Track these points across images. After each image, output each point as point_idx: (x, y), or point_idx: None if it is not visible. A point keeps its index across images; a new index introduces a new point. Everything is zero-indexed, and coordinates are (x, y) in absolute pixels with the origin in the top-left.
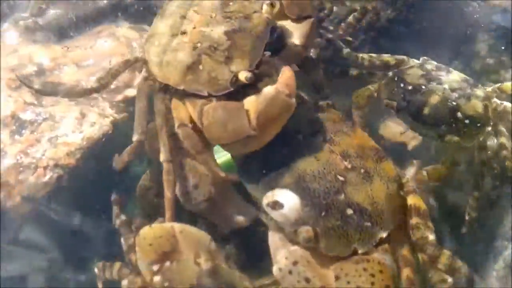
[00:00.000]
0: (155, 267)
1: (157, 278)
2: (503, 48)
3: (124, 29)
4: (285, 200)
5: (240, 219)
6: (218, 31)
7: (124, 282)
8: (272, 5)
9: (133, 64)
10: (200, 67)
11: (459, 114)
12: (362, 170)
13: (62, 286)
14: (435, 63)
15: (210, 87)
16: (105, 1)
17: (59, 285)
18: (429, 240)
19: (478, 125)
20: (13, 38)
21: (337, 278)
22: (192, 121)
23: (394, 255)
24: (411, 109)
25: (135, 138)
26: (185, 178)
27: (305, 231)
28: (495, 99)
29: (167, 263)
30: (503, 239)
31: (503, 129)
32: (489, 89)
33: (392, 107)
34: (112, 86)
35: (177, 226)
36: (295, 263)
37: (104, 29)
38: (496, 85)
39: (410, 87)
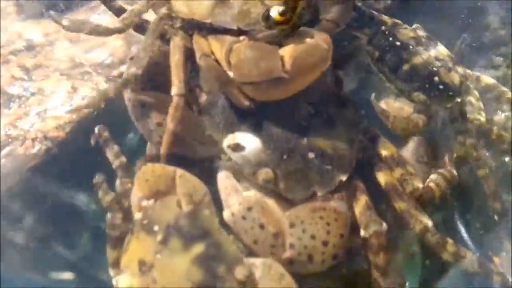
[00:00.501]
0: (144, 203)
1: (138, 215)
2: None
3: (119, 3)
4: (246, 143)
5: (203, 149)
6: None
7: (108, 215)
8: None
9: (155, 2)
10: (231, 0)
11: (436, 79)
12: (325, 116)
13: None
14: (427, 33)
15: (241, 20)
16: None
17: (45, 262)
18: (415, 186)
19: (450, 93)
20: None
21: (292, 225)
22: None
23: (350, 203)
24: (391, 61)
25: (174, 91)
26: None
27: (265, 172)
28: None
29: (151, 201)
30: None
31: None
32: (469, 71)
33: (372, 55)
34: (108, 61)
35: (179, 170)
36: (249, 208)
37: (99, 4)
38: (476, 74)
39: (398, 43)
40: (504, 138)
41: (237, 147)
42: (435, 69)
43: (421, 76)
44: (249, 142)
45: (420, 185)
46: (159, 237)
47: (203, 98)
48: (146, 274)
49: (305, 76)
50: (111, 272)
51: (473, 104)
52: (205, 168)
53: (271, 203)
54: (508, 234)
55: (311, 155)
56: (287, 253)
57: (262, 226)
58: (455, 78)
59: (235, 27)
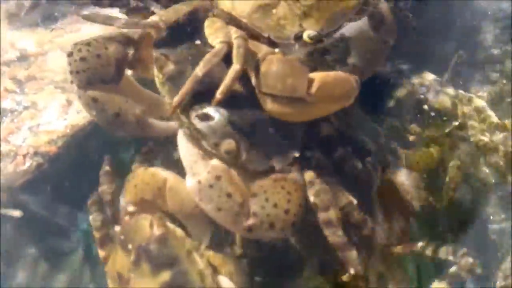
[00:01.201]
0: (130, 208)
1: (117, 228)
2: (509, 38)
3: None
4: (214, 113)
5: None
6: None
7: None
8: None
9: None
10: (274, 10)
11: (425, 106)
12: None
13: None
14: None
15: (274, 31)
16: None
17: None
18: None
19: (445, 118)
20: None
21: (255, 195)
22: None
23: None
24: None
25: (219, 40)
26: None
27: (228, 143)
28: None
29: (127, 218)
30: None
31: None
32: (461, 91)
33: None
34: None
35: (172, 181)
36: (218, 177)
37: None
38: (468, 95)
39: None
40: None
41: (205, 117)
42: (421, 96)
43: (409, 108)
44: (216, 113)
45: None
46: (132, 257)
47: (170, 67)
48: (124, 286)
49: (326, 105)
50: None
51: (475, 126)
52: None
53: (235, 173)
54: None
55: (271, 130)
56: (250, 221)
57: (229, 195)
58: (446, 101)
59: (266, 35)
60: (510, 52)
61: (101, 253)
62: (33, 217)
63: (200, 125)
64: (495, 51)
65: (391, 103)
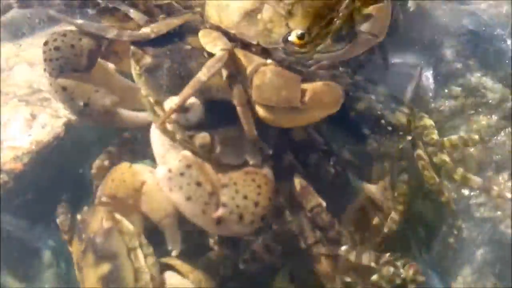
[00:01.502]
0: (103, 198)
1: (78, 217)
2: (470, 52)
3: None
4: (190, 105)
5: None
6: None
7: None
8: None
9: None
10: (259, 16)
11: (382, 121)
12: None
13: None
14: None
15: (262, 37)
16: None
17: None
18: None
19: (400, 133)
20: None
21: (225, 185)
22: None
23: None
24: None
25: (220, 47)
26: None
27: (202, 136)
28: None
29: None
30: (472, 246)
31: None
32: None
33: None
34: None
35: (151, 185)
36: (188, 166)
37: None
38: (420, 114)
39: None
40: (468, 179)
41: (181, 108)
42: (379, 112)
43: (368, 121)
44: (192, 104)
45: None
46: (82, 247)
47: (147, 60)
48: (78, 273)
49: (317, 112)
50: None
51: (433, 144)
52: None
53: (207, 165)
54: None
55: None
56: (219, 212)
57: (199, 184)
58: (401, 117)
59: (255, 42)
60: (471, 67)
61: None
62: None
63: (175, 116)
64: (458, 65)
65: (352, 114)
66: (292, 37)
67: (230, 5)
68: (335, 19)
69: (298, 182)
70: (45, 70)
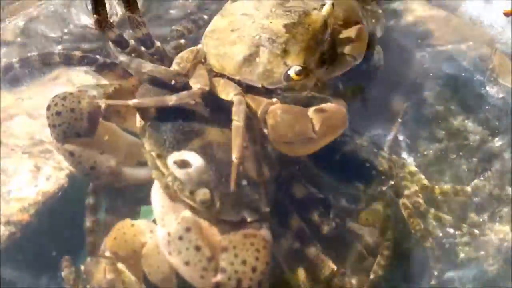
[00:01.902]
0: (107, 253)
1: (82, 268)
2: (450, 95)
3: (76, 75)
4: (192, 161)
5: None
6: (277, 23)
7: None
8: (333, 5)
9: (196, 54)
10: (257, 59)
11: (367, 164)
12: (255, 150)
13: None
14: None
15: (265, 79)
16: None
17: None
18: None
19: (383, 177)
20: None
21: (226, 249)
22: None
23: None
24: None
25: (232, 95)
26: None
27: (203, 193)
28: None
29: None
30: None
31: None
32: (394, 156)
33: None
34: None
35: (151, 247)
36: (188, 229)
37: (60, 75)
38: (402, 160)
39: None
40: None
41: (183, 164)
42: (363, 155)
43: (353, 164)
44: (194, 160)
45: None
46: None
47: (151, 114)
48: None
49: (329, 136)
50: None
51: (410, 188)
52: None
53: (206, 225)
54: None
55: (245, 182)
56: (218, 277)
57: (198, 248)
58: (383, 163)
59: (259, 85)
60: (453, 110)
61: None
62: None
63: (177, 172)
64: (439, 108)
65: (337, 157)
66: (292, 74)
67: (228, 53)
68: (323, 47)
69: (310, 251)
70: (51, 134)
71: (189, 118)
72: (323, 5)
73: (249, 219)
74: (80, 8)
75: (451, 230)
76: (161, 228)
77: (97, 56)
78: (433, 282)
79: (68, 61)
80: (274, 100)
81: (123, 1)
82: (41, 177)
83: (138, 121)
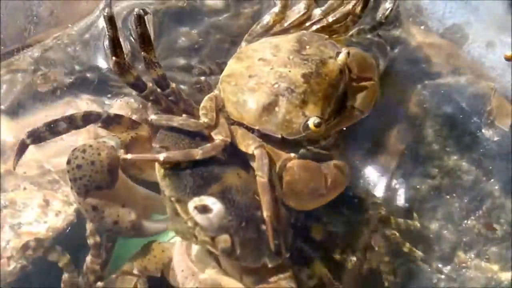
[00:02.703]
0: (135, 271)
1: (100, 284)
2: (447, 134)
3: (84, 102)
4: (212, 206)
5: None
6: (295, 73)
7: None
8: (348, 54)
9: (216, 101)
10: (276, 108)
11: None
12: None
13: None
14: None
15: (284, 130)
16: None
17: None
18: None
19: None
20: None
21: None
22: None
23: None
24: None
25: (252, 148)
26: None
27: (224, 240)
28: None
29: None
30: None
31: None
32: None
33: None
34: None
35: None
36: None
37: (66, 103)
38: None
39: None
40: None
41: (204, 209)
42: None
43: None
44: (214, 206)
45: None
46: None
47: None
48: None
49: (335, 192)
50: None
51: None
52: None
53: (225, 283)
54: None
55: (264, 227)
56: None
57: None
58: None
59: (279, 136)
60: (449, 149)
61: None
62: None
63: (198, 217)
64: (436, 147)
65: None
66: (310, 125)
67: (248, 102)
68: (337, 97)
69: None
70: (71, 188)
71: (207, 162)
72: (339, 52)
73: (270, 265)
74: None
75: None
76: None
77: (100, 111)
78: None
79: (73, 122)
80: (292, 155)
81: (139, 42)
82: (50, 212)
83: (157, 169)
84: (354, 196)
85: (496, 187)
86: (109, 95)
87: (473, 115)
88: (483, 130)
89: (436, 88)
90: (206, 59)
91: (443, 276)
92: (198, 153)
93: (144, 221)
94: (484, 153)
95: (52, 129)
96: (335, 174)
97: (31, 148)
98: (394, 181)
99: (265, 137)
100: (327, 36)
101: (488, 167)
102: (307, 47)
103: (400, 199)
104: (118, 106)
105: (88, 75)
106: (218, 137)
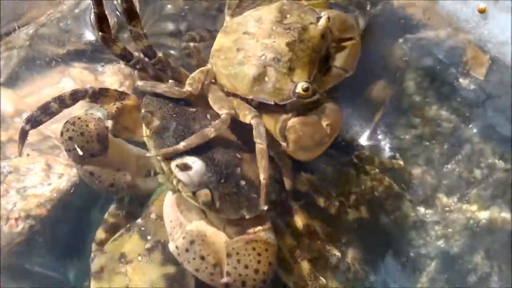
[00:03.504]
0: (153, 215)
1: (139, 221)
2: (428, 85)
3: (78, 70)
4: (193, 164)
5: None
6: (280, 42)
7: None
8: (329, 18)
9: (206, 75)
10: (266, 78)
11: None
12: (252, 153)
13: None
14: None
15: (276, 97)
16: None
17: None
18: None
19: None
20: None
21: (229, 255)
22: None
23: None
24: None
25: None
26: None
27: (204, 194)
28: None
29: (152, 216)
30: (426, 258)
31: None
32: None
33: None
34: None
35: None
36: (192, 242)
37: (60, 72)
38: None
39: None
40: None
41: (185, 167)
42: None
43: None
44: (195, 164)
45: None
46: (148, 245)
47: (155, 123)
48: (121, 264)
49: (336, 134)
50: (93, 247)
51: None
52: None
53: (209, 233)
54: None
55: (243, 182)
56: (224, 280)
57: (202, 258)
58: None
59: (272, 102)
60: (429, 99)
61: (101, 235)
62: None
63: (179, 175)
64: (417, 98)
65: None
66: (299, 90)
67: (239, 74)
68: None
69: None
70: (69, 157)
71: (189, 124)
72: (319, 17)
73: (247, 216)
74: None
75: (422, 210)
76: (171, 242)
77: (86, 88)
78: (403, 259)
79: (63, 102)
80: (290, 115)
81: (125, 15)
82: (53, 175)
83: (144, 130)
84: (341, 140)
85: (475, 132)
86: (101, 63)
87: (450, 67)
88: (460, 80)
89: (416, 42)
90: (194, 26)
91: (426, 218)
92: (211, 131)
93: (138, 180)
94: (462, 102)
95: (46, 112)
96: (332, 118)
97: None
98: (379, 132)
99: (261, 104)
100: (306, 3)
101: (465, 114)
102: (288, 15)
103: (385, 149)
104: (111, 72)
105: (80, 46)
106: (223, 111)
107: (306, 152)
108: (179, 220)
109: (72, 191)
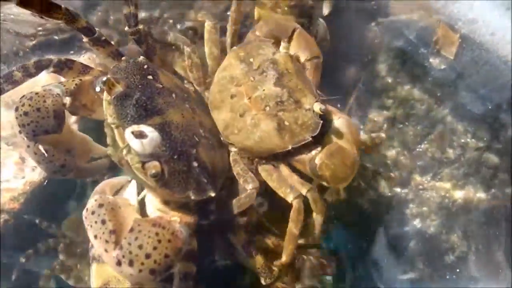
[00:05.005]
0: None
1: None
2: (400, 67)
3: None
4: (148, 133)
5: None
6: (269, 88)
7: None
8: (289, 41)
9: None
10: (286, 122)
11: None
12: (211, 142)
13: None
14: None
15: (307, 131)
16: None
17: None
18: None
19: None
20: None
21: (131, 230)
22: None
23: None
24: None
25: (293, 196)
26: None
27: (153, 166)
28: None
29: None
30: (404, 238)
31: None
32: None
33: None
34: None
35: None
36: (100, 205)
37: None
38: None
39: None
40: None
41: (140, 135)
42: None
43: None
44: (150, 133)
45: None
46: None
47: (118, 89)
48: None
49: (357, 145)
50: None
51: None
52: None
53: (124, 208)
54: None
55: (195, 164)
56: (115, 252)
57: (103, 222)
58: None
59: (310, 138)
60: (400, 80)
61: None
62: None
63: (132, 142)
64: (389, 80)
65: None
66: (317, 110)
67: (262, 136)
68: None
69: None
70: (20, 132)
71: (154, 98)
72: (273, 42)
73: (193, 197)
74: None
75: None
76: (87, 206)
77: (51, 57)
78: (382, 237)
79: (27, 70)
80: (313, 152)
81: None
82: (26, 168)
83: (105, 96)
84: None
85: (447, 111)
86: (72, 52)
87: (421, 47)
88: (430, 60)
89: (388, 25)
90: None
91: (402, 197)
92: (236, 206)
93: (86, 163)
94: (433, 82)
95: (9, 80)
96: (350, 133)
97: (3, 110)
98: (353, 116)
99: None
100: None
101: (437, 95)
102: (251, 60)
103: (359, 132)
104: (82, 61)
105: (51, 36)
106: (248, 186)
107: (346, 178)
108: (103, 189)
109: (44, 183)
